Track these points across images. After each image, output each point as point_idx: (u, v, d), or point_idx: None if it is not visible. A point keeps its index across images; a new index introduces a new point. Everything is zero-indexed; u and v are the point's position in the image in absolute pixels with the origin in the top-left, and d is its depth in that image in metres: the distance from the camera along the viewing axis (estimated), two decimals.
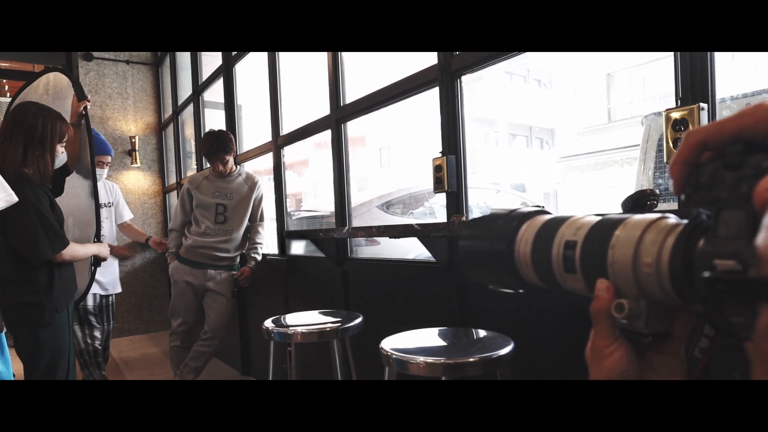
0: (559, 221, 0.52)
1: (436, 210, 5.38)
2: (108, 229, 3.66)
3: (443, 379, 1.40)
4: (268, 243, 3.53)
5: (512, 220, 0.55)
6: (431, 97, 2.35)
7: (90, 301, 3.43)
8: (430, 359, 1.40)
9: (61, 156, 2.24)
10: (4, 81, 8.66)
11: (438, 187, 2.09)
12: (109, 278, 3.54)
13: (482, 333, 1.66)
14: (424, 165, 2.21)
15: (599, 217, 0.49)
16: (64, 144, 2.23)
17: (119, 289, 3.66)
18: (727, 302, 0.37)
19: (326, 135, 3.03)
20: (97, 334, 3.46)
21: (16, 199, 1.70)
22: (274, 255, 3.54)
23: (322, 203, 8.24)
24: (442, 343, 1.63)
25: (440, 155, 2.11)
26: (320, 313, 2.30)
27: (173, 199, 5.89)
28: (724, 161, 0.38)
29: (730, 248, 0.33)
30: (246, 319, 4.11)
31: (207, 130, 3.48)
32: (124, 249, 3.63)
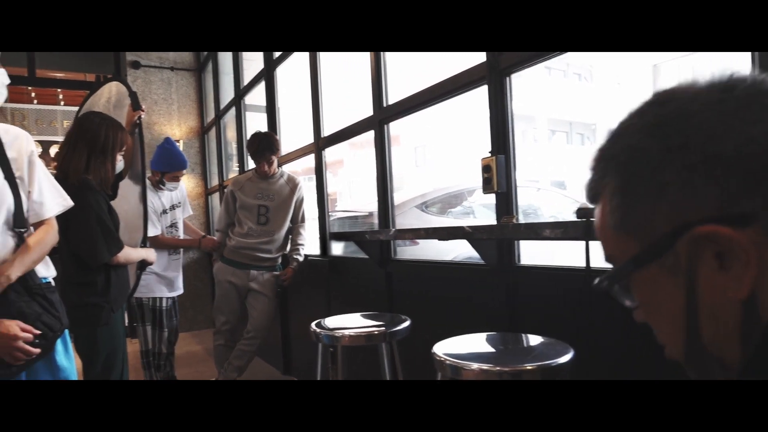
0: None
1: (475, 209, 5.31)
2: (181, 227, 3.76)
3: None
4: (309, 244, 3.54)
5: None
6: (470, 95, 2.33)
7: (164, 304, 3.54)
8: (485, 366, 1.36)
9: (119, 164, 2.33)
10: (59, 90, 8.97)
11: (487, 187, 2.04)
12: (178, 279, 3.65)
13: (537, 339, 1.60)
14: (462, 164, 2.17)
15: None
16: (123, 152, 2.32)
17: (182, 290, 3.75)
18: None
19: (362, 135, 3.04)
20: (165, 335, 3.56)
21: (71, 203, 1.74)
22: (315, 256, 3.54)
23: (357, 203, 8.23)
24: (496, 348, 1.58)
25: (489, 155, 2.06)
26: (366, 315, 2.28)
27: (215, 200, 5.98)
28: None
29: None
30: (287, 319, 4.13)
31: (250, 132, 3.51)
32: (212, 240, 3.67)
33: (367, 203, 6.36)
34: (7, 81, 1.61)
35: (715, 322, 0.45)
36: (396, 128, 2.86)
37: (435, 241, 3.32)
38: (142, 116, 2.62)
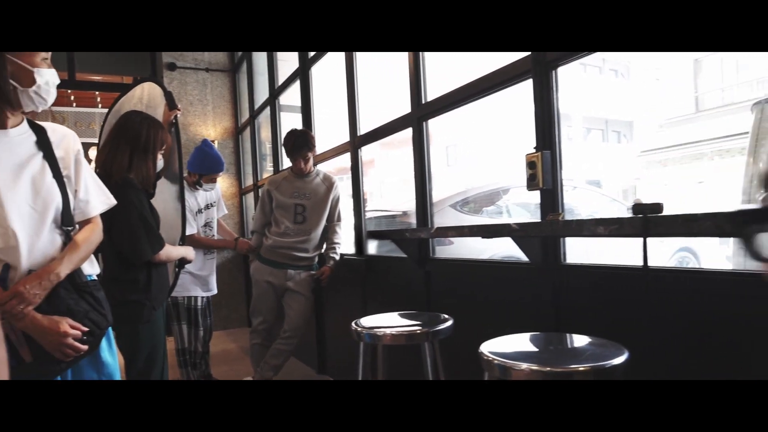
0: None
1: (510, 208, 5.24)
2: (215, 227, 3.80)
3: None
4: (344, 243, 3.52)
5: None
6: (504, 92, 2.29)
7: (199, 303, 3.58)
8: (535, 366, 1.31)
9: (160, 162, 2.34)
10: (97, 93, 9.11)
11: (531, 184, 1.98)
12: (212, 279, 3.68)
13: (587, 339, 1.54)
14: (495, 163, 2.12)
15: None
16: (163, 151, 2.33)
17: (216, 290, 3.77)
18: None
19: (398, 132, 3.02)
20: (201, 334, 3.59)
21: (114, 202, 1.76)
22: (351, 255, 3.51)
23: (389, 203, 8.21)
24: (545, 348, 1.53)
25: (534, 151, 2.00)
26: (406, 315, 2.24)
27: (250, 200, 6.02)
28: None
29: None
30: (322, 318, 4.11)
31: (285, 132, 3.50)
32: (247, 243, 3.69)
33: (400, 203, 6.35)
34: (57, 81, 1.61)
35: None
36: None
37: (469, 241, 3.29)
38: (178, 115, 2.63)
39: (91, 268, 1.68)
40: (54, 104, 1.66)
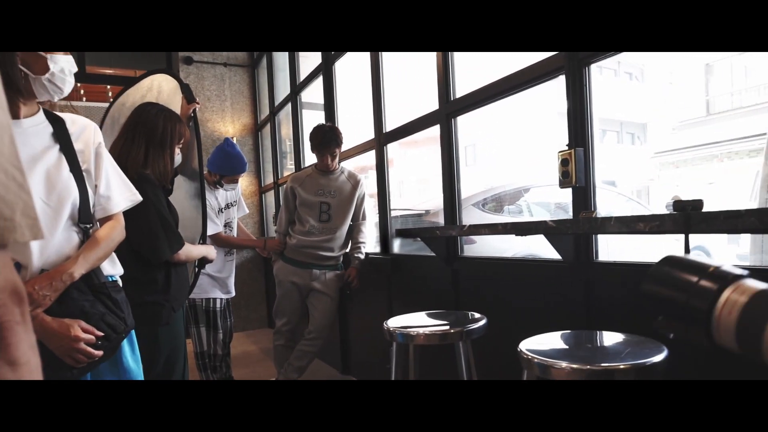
0: None
1: (532, 208, 5.24)
2: (235, 227, 3.70)
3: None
4: (370, 242, 3.50)
5: (716, 279, 0.54)
6: (523, 93, 2.29)
7: (218, 305, 3.47)
8: (575, 365, 1.30)
9: (177, 157, 2.24)
10: (108, 87, 9.03)
11: (564, 181, 1.97)
12: (231, 281, 3.58)
13: (623, 337, 1.53)
14: (516, 162, 2.12)
15: None
16: (181, 145, 2.23)
17: (234, 291, 3.68)
18: None
19: (415, 133, 3.01)
20: (220, 336, 3.49)
21: (140, 198, 1.69)
22: (376, 254, 3.50)
23: (408, 202, 8.19)
24: (583, 347, 1.52)
25: (567, 148, 1.99)
26: (436, 314, 2.23)
27: (270, 198, 6.01)
28: None
29: None
30: (346, 318, 4.10)
31: (306, 129, 3.48)
32: (276, 241, 3.62)
33: (420, 202, 6.34)
34: (74, 69, 1.53)
35: None
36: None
37: (490, 240, 3.27)
38: (197, 109, 2.53)
39: (112, 268, 1.61)
40: (63, 98, 1.58)
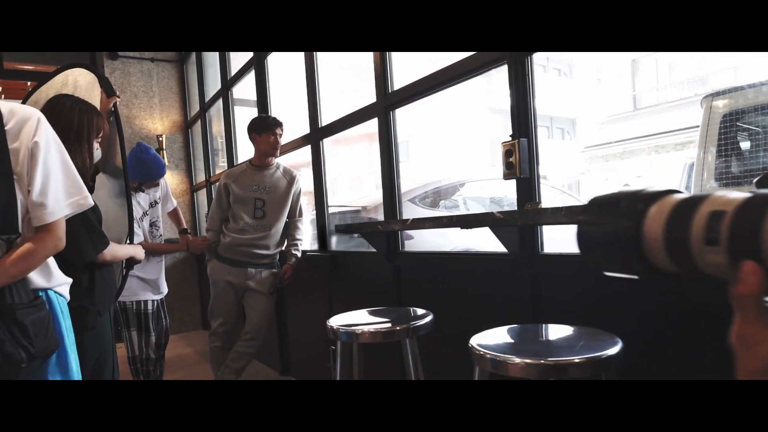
0: (701, 197, 0.50)
1: (468, 202, 5.29)
2: (161, 225, 3.55)
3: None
4: (307, 239, 3.41)
5: (639, 200, 0.54)
6: (458, 87, 2.27)
7: (150, 307, 3.31)
8: (529, 360, 1.27)
9: (97, 152, 2.10)
10: (28, 84, 8.62)
11: (508, 173, 1.95)
12: (162, 280, 3.43)
13: (575, 329, 1.51)
14: (452, 157, 2.10)
15: (749, 193, 0.47)
16: (100, 139, 2.08)
17: (167, 289, 3.53)
18: None
19: (347, 130, 2.99)
20: (153, 339, 3.33)
21: (89, 203, 1.52)
22: (314, 251, 3.41)
23: (342, 199, 8.16)
24: (536, 340, 1.49)
25: (510, 138, 1.96)
26: (378, 311, 2.17)
27: (202, 197, 5.82)
28: None
29: None
30: (284, 318, 4.00)
31: (239, 127, 3.37)
32: (198, 241, 3.47)
33: (357, 198, 6.29)
34: None
35: None
36: (375, 125, 2.76)
37: (428, 235, 3.25)
38: (118, 102, 2.39)
39: (45, 281, 1.46)
40: None
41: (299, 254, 3.28)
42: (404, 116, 2.74)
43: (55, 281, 1.51)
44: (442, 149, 16.14)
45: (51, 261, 1.51)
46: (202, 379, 3.56)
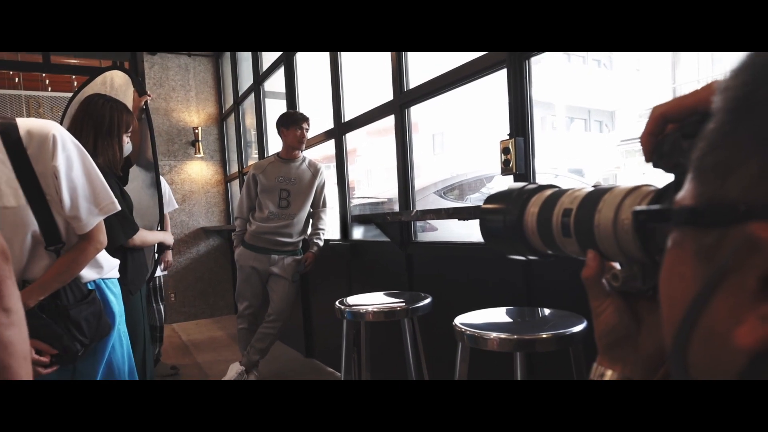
0: (561, 193, 0.58)
1: None
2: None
3: (516, 354, 1.42)
4: (329, 229, 3.60)
5: (523, 194, 0.62)
6: (490, 81, 2.36)
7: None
8: (503, 335, 1.42)
9: (127, 146, 2.28)
10: (73, 77, 8.91)
11: (505, 169, 2.09)
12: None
13: (552, 311, 1.67)
14: (480, 150, 2.21)
15: (590, 188, 0.55)
16: (129, 134, 2.26)
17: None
18: (648, 234, 0.45)
19: (382, 121, 3.08)
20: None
21: (117, 208, 1.62)
22: (336, 240, 3.60)
23: (375, 191, 8.27)
24: (513, 320, 1.64)
25: (508, 137, 2.10)
26: (387, 294, 2.35)
27: (235, 188, 6.05)
28: (682, 131, 0.42)
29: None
30: (309, 303, 4.20)
31: (270, 119, 3.57)
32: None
33: (386, 190, 6.42)
34: None
35: (708, 358, 0.32)
36: (414, 115, 2.90)
37: (455, 227, 3.38)
38: (149, 101, 2.59)
39: (96, 272, 1.63)
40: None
41: (321, 243, 3.48)
42: (439, 108, 2.85)
43: (105, 271, 1.69)
44: (475, 142, 16.12)
45: (100, 254, 1.66)
46: (228, 361, 3.77)
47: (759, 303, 0.28)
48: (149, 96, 2.60)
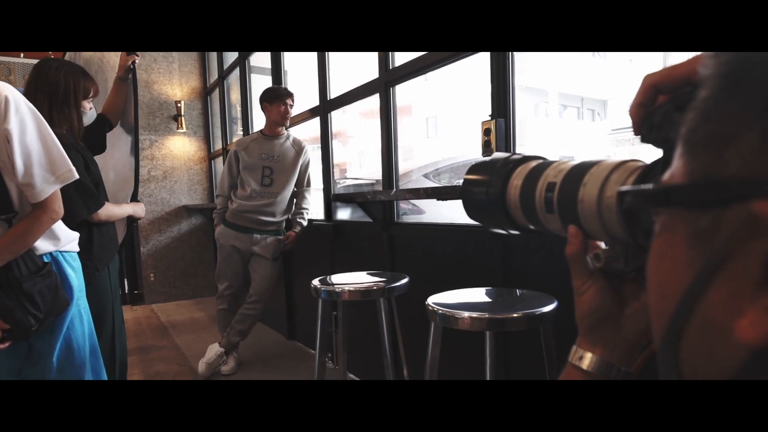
0: (546, 165, 0.56)
1: None
2: None
3: (487, 333, 1.40)
4: (313, 209, 3.55)
5: (508, 164, 0.60)
6: (484, 66, 2.31)
7: None
8: (474, 314, 1.40)
9: (90, 112, 2.14)
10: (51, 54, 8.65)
11: (486, 150, 2.06)
12: None
13: (524, 292, 1.66)
14: (472, 134, 2.18)
15: (575, 162, 0.53)
16: (91, 100, 2.13)
17: None
18: (634, 215, 0.43)
19: (373, 102, 3.01)
20: None
21: (75, 176, 1.54)
22: (320, 220, 3.56)
23: (367, 173, 8.25)
24: (486, 300, 1.63)
25: (489, 118, 2.06)
26: (367, 273, 2.32)
27: (219, 165, 5.96)
28: (674, 103, 0.40)
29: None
30: (292, 284, 4.17)
31: (255, 95, 3.51)
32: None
33: (377, 171, 6.37)
34: None
35: (703, 352, 0.28)
36: (407, 98, 2.85)
37: (443, 210, 3.36)
38: (137, 61, 2.46)
39: (52, 244, 1.57)
40: None
41: (305, 223, 3.43)
42: (431, 92, 2.81)
43: (62, 243, 1.61)
44: (466, 126, 16.12)
45: (57, 225, 1.59)
46: (208, 344, 3.73)
47: (763, 292, 0.24)
48: (137, 56, 2.46)
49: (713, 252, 0.27)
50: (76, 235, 1.70)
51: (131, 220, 2.43)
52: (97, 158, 2.30)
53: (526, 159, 0.61)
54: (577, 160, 0.54)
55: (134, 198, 2.49)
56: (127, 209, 2.33)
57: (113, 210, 2.19)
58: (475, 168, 0.64)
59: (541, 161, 0.59)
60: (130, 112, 2.51)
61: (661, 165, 0.42)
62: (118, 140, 2.49)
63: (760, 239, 0.24)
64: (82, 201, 1.99)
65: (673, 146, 0.30)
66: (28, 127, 1.41)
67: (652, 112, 0.43)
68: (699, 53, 0.37)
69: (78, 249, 1.72)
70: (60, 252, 1.61)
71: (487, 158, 0.64)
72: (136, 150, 2.54)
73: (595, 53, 20.17)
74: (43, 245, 1.54)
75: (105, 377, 1.80)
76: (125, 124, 2.54)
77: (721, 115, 0.26)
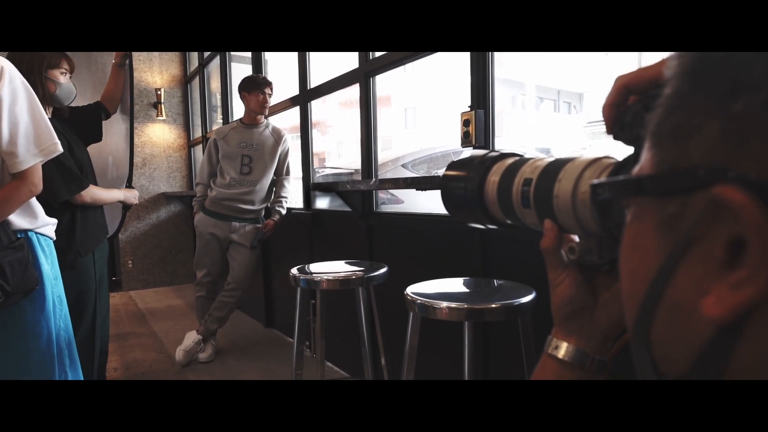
0: (523, 162, 0.58)
1: None
2: None
3: (465, 323, 1.43)
4: (292, 198, 3.55)
5: (486, 161, 0.62)
6: (462, 56, 2.33)
7: None
8: (453, 304, 1.43)
9: (66, 85, 2.07)
10: None
11: (465, 141, 2.09)
12: None
13: (503, 282, 1.69)
14: (451, 125, 2.20)
15: (551, 158, 0.55)
16: (65, 72, 2.08)
17: None
18: (606, 208, 0.44)
19: (352, 92, 3.01)
20: None
21: (60, 150, 1.55)
22: (299, 209, 3.57)
23: (346, 162, 8.26)
24: (465, 290, 1.66)
25: (469, 109, 2.09)
26: (346, 262, 2.34)
27: (198, 153, 5.93)
28: (644, 103, 0.42)
29: None
30: (270, 272, 4.17)
31: (236, 83, 3.49)
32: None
33: (356, 161, 6.39)
34: None
35: (672, 332, 0.30)
36: (386, 89, 2.86)
37: (421, 200, 3.39)
38: None
39: (28, 222, 1.55)
40: None
41: (283, 211, 3.44)
42: (410, 83, 2.82)
43: (38, 223, 1.60)
44: (444, 117, 16.18)
45: (35, 204, 1.60)
46: (186, 331, 3.72)
47: (727, 271, 0.26)
48: None
49: (680, 237, 0.29)
50: (53, 221, 1.68)
51: (125, 207, 2.41)
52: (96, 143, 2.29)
53: (504, 156, 0.63)
54: (552, 157, 0.56)
55: (129, 184, 2.48)
56: (117, 194, 2.31)
57: (99, 193, 2.17)
58: (453, 165, 0.66)
59: (518, 158, 0.61)
60: (127, 98, 2.53)
61: (632, 161, 0.44)
62: (116, 125, 2.48)
63: (723, 222, 0.26)
64: (63, 182, 1.97)
65: (642, 144, 0.32)
66: (20, 98, 1.43)
67: (624, 111, 0.45)
68: (668, 56, 0.40)
69: (54, 237, 1.70)
70: (35, 233, 1.60)
71: (466, 156, 0.65)
72: (131, 136, 2.55)
73: None
74: (18, 221, 1.53)
75: (79, 367, 1.77)
76: (123, 110, 2.55)
77: (685, 108, 0.29)
